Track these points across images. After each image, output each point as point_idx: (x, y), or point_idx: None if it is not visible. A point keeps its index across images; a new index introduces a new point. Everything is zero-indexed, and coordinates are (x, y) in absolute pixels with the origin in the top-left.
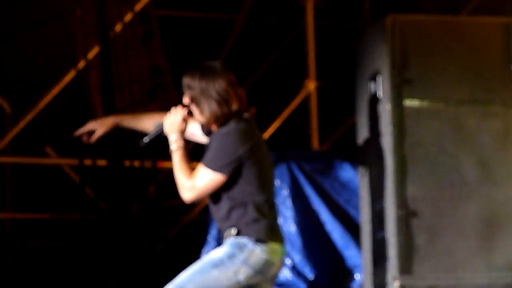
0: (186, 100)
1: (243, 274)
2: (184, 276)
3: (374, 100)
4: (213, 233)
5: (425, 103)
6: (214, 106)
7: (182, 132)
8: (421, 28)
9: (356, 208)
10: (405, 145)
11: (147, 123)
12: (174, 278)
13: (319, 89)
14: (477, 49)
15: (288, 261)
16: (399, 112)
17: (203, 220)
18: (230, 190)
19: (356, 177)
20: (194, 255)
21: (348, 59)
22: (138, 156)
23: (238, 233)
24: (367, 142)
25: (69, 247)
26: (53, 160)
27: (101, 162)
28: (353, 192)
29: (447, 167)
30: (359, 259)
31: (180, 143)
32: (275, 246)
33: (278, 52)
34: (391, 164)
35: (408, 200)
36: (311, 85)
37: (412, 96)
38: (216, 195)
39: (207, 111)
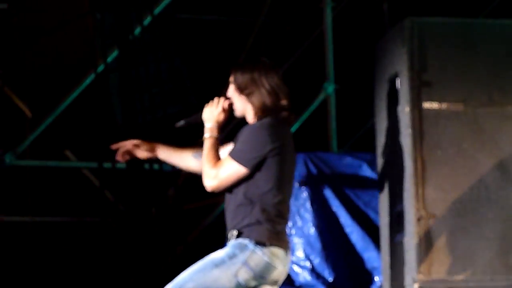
0: (229, 92)
1: (243, 275)
2: (184, 274)
3: (393, 103)
4: None
5: (444, 105)
6: (265, 96)
7: (219, 123)
8: (440, 30)
9: (376, 210)
10: (424, 147)
11: (187, 159)
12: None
13: (338, 91)
14: (496, 51)
15: (307, 263)
16: (418, 114)
17: (222, 223)
18: (243, 186)
19: (375, 180)
20: None
21: (367, 62)
22: (157, 159)
23: (239, 235)
24: (386, 144)
25: (88, 250)
26: (73, 163)
27: (121, 165)
28: (372, 195)
29: (466, 169)
30: (378, 261)
31: (215, 132)
32: (276, 250)
33: (297, 54)
34: (410, 167)
35: (427, 202)
36: (329, 88)
37: (431, 98)
38: (231, 189)
39: (256, 100)
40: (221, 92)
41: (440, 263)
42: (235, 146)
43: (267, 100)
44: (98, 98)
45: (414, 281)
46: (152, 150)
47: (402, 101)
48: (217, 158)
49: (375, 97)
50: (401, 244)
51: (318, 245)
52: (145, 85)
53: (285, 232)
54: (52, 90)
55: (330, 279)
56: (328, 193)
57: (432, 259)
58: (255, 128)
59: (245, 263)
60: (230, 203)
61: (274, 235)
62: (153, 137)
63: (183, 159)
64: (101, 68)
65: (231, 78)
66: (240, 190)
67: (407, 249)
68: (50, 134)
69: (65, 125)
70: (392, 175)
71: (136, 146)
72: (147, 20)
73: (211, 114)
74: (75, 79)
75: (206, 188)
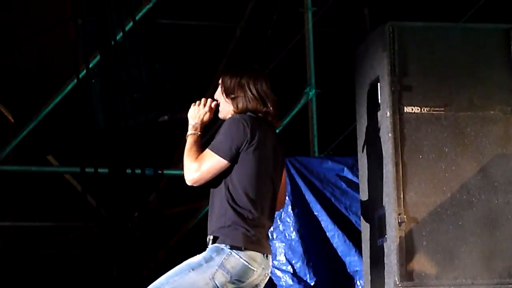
0: (216, 93)
1: (219, 278)
2: (161, 278)
3: (374, 107)
4: None
5: (425, 110)
6: (249, 101)
7: (204, 122)
8: (421, 34)
9: (357, 214)
10: (405, 152)
11: None
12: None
13: (319, 96)
14: (477, 55)
15: (289, 268)
16: (399, 118)
17: (204, 227)
18: (222, 187)
19: (356, 184)
20: None
21: (347, 66)
22: (139, 164)
23: (215, 240)
24: (367, 148)
25: (71, 254)
26: (55, 168)
27: (103, 170)
28: (353, 199)
29: (447, 173)
30: (360, 265)
31: (198, 130)
32: (254, 254)
33: (278, 59)
34: (391, 171)
35: (408, 206)
36: (311, 92)
37: (411, 102)
38: (212, 189)
39: (240, 104)
40: (203, 95)
41: (422, 267)
42: (215, 138)
43: (250, 105)
44: (80, 103)
45: (396, 285)
46: None
47: (383, 106)
48: (199, 153)
49: (356, 102)
50: (382, 248)
51: (299, 249)
52: (126, 90)
53: (264, 236)
54: (34, 95)
55: (312, 283)
56: (310, 197)
57: (414, 263)
58: (232, 120)
59: (221, 266)
60: (213, 206)
61: (250, 239)
62: (135, 142)
63: None
64: (83, 73)
65: (220, 81)
66: (220, 191)
67: (388, 253)
68: (33, 139)
69: (47, 130)
70: (373, 179)
71: None
72: (128, 26)
73: (197, 113)
74: (57, 84)
75: (187, 182)
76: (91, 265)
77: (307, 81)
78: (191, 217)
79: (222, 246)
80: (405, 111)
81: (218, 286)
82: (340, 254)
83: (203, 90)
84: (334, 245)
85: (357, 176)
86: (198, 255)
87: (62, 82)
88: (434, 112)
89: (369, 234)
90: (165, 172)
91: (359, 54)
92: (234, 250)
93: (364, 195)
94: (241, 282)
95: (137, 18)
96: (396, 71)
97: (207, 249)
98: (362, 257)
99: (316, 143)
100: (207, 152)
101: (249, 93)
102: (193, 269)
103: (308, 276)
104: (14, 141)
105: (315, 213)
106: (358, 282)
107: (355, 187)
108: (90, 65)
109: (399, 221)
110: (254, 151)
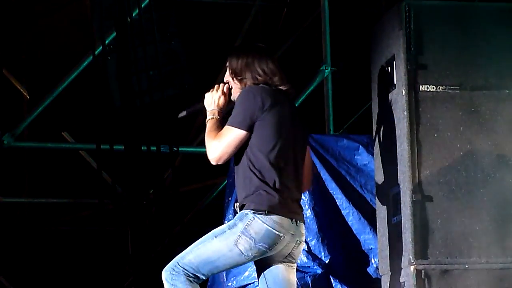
0: (226, 76)
1: (243, 243)
2: (187, 248)
3: (389, 85)
4: (229, 217)
5: (440, 88)
6: (259, 79)
7: (220, 106)
8: (436, 13)
9: (372, 192)
10: (420, 130)
11: None
12: None
13: (334, 74)
14: (492, 34)
15: (304, 245)
16: (414, 97)
17: (218, 204)
18: (244, 158)
19: (371, 162)
20: None
21: (363, 45)
22: (155, 141)
23: (242, 207)
24: (383, 127)
25: (86, 231)
26: (71, 145)
27: (118, 147)
28: (368, 177)
29: (462, 151)
30: (375, 243)
31: (216, 115)
32: (279, 218)
33: (294, 37)
34: (406, 149)
35: (423, 184)
36: (326, 70)
37: (427, 81)
38: (236, 161)
39: (251, 83)
40: (218, 73)
41: (436, 246)
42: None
43: (258, 81)
44: (95, 80)
45: (410, 263)
46: None
47: (398, 84)
48: (218, 132)
49: (372, 80)
50: (397, 226)
51: (314, 227)
52: (143, 67)
53: (292, 200)
54: (49, 72)
55: (327, 261)
56: (325, 175)
57: (428, 242)
58: (244, 91)
59: (244, 231)
60: (238, 177)
61: (275, 203)
62: (151, 119)
63: None
64: (99, 50)
65: (227, 63)
66: (243, 162)
67: (403, 232)
68: (48, 116)
69: (63, 107)
70: (388, 157)
71: None
72: (144, 2)
73: (212, 99)
74: (73, 61)
75: (212, 162)
76: (106, 242)
77: (322, 59)
78: (206, 194)
79: (246, 211)
80: (420, 89)
81: (243, 252)
82: (355, 232)
83: (218, 68)
84: (349, 223)
85: (372, 154)
86: (224, 224)
87: (78, 58)
88: (450, 91)
89: (384, 212)
90: (180, 149)
91: (375, 33)
92: (257, 215)
93: (379, 173)
94: (268, 249)
95: None
96: (412, 50)
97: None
98: (377, 235)
99: (332, 121)
100: (225, 127)
101: (256, 73)
102: (216, 237)
103: (322, 254)
104: (30, 118)
105: (330, 191)
106: (372, 260)
107: (370, 165)
108: (106, 42)
109: (414, 199)
110: (269, 117)
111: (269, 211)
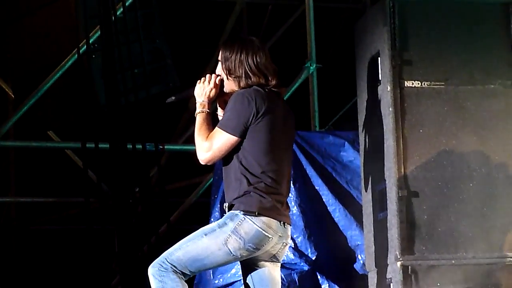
0: (218, 69)
1: (232, 243)
2: (176, 244)
3: (374, 81)
4: (215, 214)
5: (425, 84)
6: (253, 78)
7: (210, 98)
8: (421, 9)
9: (358, 189)
10: (405, 126)
11: None
12: None
13: (319, 70)
14: (477, 29)
15: (290, 242)
16: (399, 93)
17: (205, 202)
18: (235, 159)
19: (357, 158)
20: None
21: (348, 41)
22: (140, 139)
23: (231, 207)
24: (368, 123)
25: (72, 230)
26: (56, 143)
27: (104, 146)
28: (354, 173)
29: (447, 147)
30: (361, 239)
31: (206, 107)
32: (269, 220)
33: (279, 34)
34: (392, 145)
35: (409, 180)
36: (311, 67)
37: (412, 77)
38: (226, 162)
39: (243, 82)
40: (204, 70)
41: (422, 241)
42: (223, 115)
43: (251, 82)
44: (80, 78)
45: (397, 259)
46: None
47: (384, 80)
48: (210, 131)
49: (357, 76)
50: (383, 222)
51: (300, 223)
52: (127, 66)
53: (281, 203)
54: (35, 71)
55: (313, 258)
56: (311, 172)
57: (415, 237)
58: (236, 96)
59: (234, 231)
60: (227, 178)
61: (264, 205)
62: (136, 117)
63: None
64: (83, 48)
65: (219, 57)
66: (234, 164)
67: (389, 227)
68: (33, 115)
69: (48, 105)
70: (374, 153)
71: None
72: (129, 0)
73: (203, 90)
74: (58, 60)
75: (200, 161)
76: (93, 240)
77: (307, 55)
78: (192, 192)
79: (237, 212)
80: (405, 85)
81: (232, 251)
82: (341, 228)
83: (203, 65)
84: (335, 219)
85: (358, 151)
86: (213, 222)
87: (63, 57)
88: (435, 86)
89: (370, 208)
90: (166, 147)
91: (359, 29)
92: (248, 216)
93: (365, 169)
94: (256, 249)
95: None
96: (397, 46)
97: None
98: (363, 231)
99: (317, 117)
100: (217, 130)
101: (249, 69)
102: (206, 235)
103: (309, 250)
104: (15, 117)
105: (316, 188)
106: (359, 256)
107: (356, 161)
108: (91, 41)
109: (400, 195)
110: (262, 123)
111: (259, 213)
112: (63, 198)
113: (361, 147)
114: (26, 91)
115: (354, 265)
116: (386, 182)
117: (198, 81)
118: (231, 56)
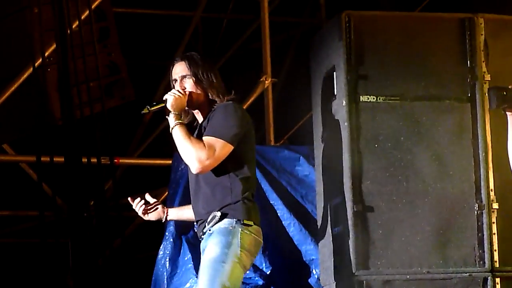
0: (187, 84)
1: (244, 259)
2: (203, 285)
3: (329, 96)
4: (170, 229)
5: (380, 99)
6: (221, 89)
7: (181, 110)
8: (377, 23)
9: (313, 203)
10: (361, 141)
11: (188, 213)
12: None
13: (274, 85)
14: (433, 44)
15: None
16: (354, 107)
17: None
18: (222, 165)
19: (312, 173)
20: (151, 251)
21: (303, 55)
22: (95, 153)
23: (222, 217)
24: (324, 137)
25: (26, 244)
26: (11, 157)
27: (58, 159)
28: (309, 188)
29: (402, 162)
30: (316, 254)
31: (184, 119)
32: (258, 228)
33: (234, 48)
34: (347, 160)
35: (364, 195)
36: (267, 81)
37: (367, 91)
38: (205, 175)
39: (216, 93)
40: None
41: (378, 256)
42: (213, 125)
43: (221, 93)
44: (36, 92)
45: (352, 274)
46: (165, 214)
47: (339, 95)
48: (199, 139)
49: (312, 91)
50: (338, 237)
51: None
52: (83, 79)
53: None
54: None
55: (268, 272)
56: (266, 186)
57: (370, 252)
58: (230, 106)
59: (241, 247)
60: (208, 185)
61: (256, 213)
62: (91, 131)
63: (186, 216)
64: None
65: (186, 71)
66: (221, 172)
67: (344, 242)
68: None
69: (2, 119)
70: (329, 168)
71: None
72: (85, 14)
73: (179, 102)
74: (13, 73)
75: (198, 170)
76: (47, 254)
77: (263, 70)
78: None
79: (233, 224)
80: (361, 100)
81: (246, 266)
82: (296, 243)
83: (158, 79)
84: (290, 234)
85: (313, 165)
86: (212, 247)
87: (18, 71)
88: (390, 101)
89: (325, 223)
90: (121, 161)
91: (315, 43)
92: (244, 226)
93: (320, 184)
94: (255, 258)
95: (93, 6)
96: (352, 60)
97: (216, 232)
98: (318, 246)
99: (272, 132)
100: (215, 139)
101: (215, 81)
102: (223, 262)
103: (264, 264)
104: None
105: (271, 202)
106: (314, 271)
107: (311, 176)
108: (46, 54)
109: (355, 210)
110: (248, 133)
111: (254, 222)
112: (17, 211)
113: (316, 162)
114: None
115: (309, 280)
116: (341, 197)
117: (170, 93)
118: (200, 69)
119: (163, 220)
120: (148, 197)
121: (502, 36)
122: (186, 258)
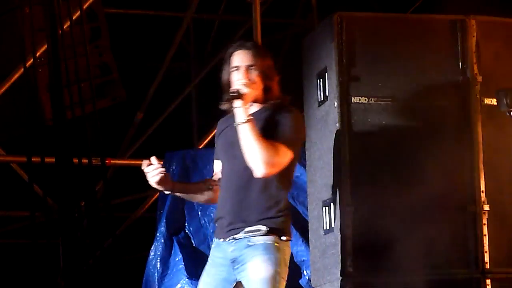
0: (251, 75)
1: (285, 273)
2: None
3: (321, 97)
4: (161, 229)
5: (372, 100)
6: (279, 87)
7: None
8: (369, 25)
9: (304, 204)
10: (352, 142)
11: (198, 196)
12: None
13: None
14: (425, 46)
15: None
16: (346, 109)
17: (151, 217)
18: (275, 175)
19: (304, 174)
20: (141, 252)
21: (295, 56)
22: (86, 154)
23: (268, 232)
24: (315, 138)
25: (17, 244)
26: (2, 157)
27: (49, 160)
28: (301, 189)
29: (394, 163)
30: (307, 255)
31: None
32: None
33: (226, 49)
34: (339, 161)
35: (355, 196)
36: None
37: (359, 93)
38: (247, 181)
39: (277, 90)
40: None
41: (367, 257)
42: (284, 131)
43: (278, 89)
44: (27, 92)
45: (342, 275)
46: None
47: (331, 96)
48: (270, 141)
49: (304, 92)
50: (329, 238)
51: None
52: (74, 79)
53: None
54: None
55: None
56: None
57: (359, 254)
58: (297, 115)
59: (285, 262)
60: (249, 186)
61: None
62: (82, 132)
63: (195, 196)
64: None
65: (253, 61)
66: (267, 181)
67: (335, 243)
68: None
69: None
70: (321, 169)
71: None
72: (76, 14)
73: (253, 95)
74: (4, 73)
75: (262, 174)
76: (38, 254)
77: None
78: (137, 207)
79: (278, 241)
80: (352, 101)
81: (285, 279)
82: None
83: (150, 79)
84: None
85: (305, 167)
86: (261, 265)
87: (9, 71)
88: (382, 103)
89: (316, 224)
90: (112, 161)
91: (307, 45)
92: (286, 243)
93: (311, 185)
94: None
95: (84, 7)
96: (344, 62)
97: (263, 247)
98: (309, 247)
99: None
100: (286, 148)
101: (278, 78)
102: (277, 282)
103: None
104: None
105: None
106: (305, 272)
107: (303, 177)
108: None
109: (346, 211)
110: None
111: (290, 236)
112: (8, 212)
113: (308, 163)
114: None
115: (300, 281)
116: (332, 198)
117: (244, 85)
118: (266, 62)
119: (172, 193)
120: (154, 160)
121: (494, 38)
122: (177, 259)
